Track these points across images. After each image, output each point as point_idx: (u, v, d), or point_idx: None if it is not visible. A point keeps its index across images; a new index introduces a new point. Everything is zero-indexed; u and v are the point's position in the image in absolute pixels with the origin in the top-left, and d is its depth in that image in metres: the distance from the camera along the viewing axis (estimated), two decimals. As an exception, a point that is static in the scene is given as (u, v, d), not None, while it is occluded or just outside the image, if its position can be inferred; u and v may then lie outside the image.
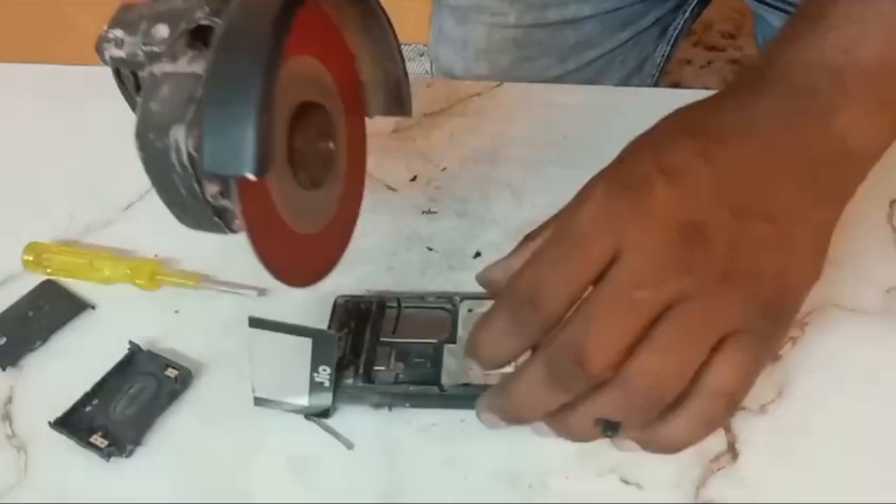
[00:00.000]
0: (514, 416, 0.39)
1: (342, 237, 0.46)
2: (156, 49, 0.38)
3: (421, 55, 1.69)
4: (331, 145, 0.41)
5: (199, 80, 0.36)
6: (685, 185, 0.36)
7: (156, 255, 0.54)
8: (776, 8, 0.69)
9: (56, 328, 0.51)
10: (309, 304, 0.50)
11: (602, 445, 0.39)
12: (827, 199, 0.39)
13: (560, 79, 0.81)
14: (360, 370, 0.45)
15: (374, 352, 0.46)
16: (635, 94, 0.68)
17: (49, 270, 0.54)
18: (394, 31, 0.43)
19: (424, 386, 0.44)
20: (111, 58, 0.39)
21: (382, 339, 0.47)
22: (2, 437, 0.47)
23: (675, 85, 1.67)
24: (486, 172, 0.56)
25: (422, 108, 0.61)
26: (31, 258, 0.54)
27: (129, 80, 0.41)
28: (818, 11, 0.40)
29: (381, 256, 0.53)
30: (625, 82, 0.83)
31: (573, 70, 0.81)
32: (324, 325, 0.49)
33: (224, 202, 0.37)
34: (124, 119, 0.44)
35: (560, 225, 0.38)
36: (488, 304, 0.44)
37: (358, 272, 0.52)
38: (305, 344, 0.42)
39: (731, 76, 1.71)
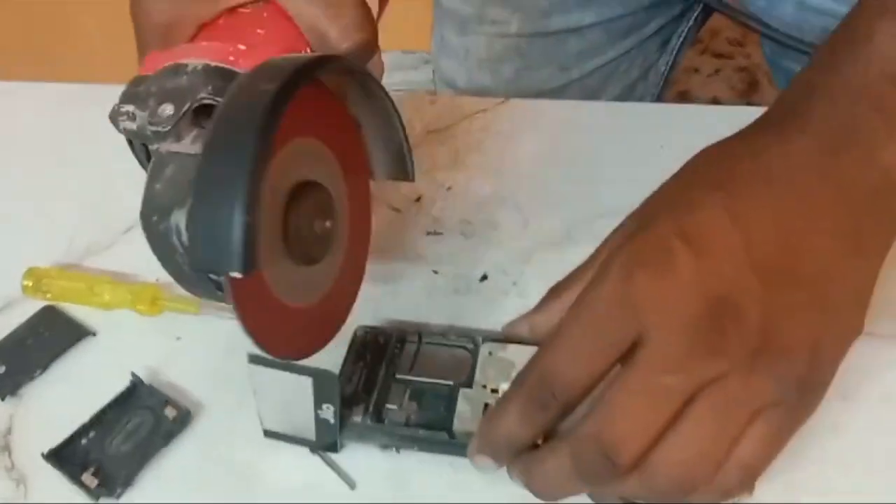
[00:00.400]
0: (536, 493, 0.37)
1: (340, 310, 0.46)
2: (161, 128, 0.38)
3: (426, 62, 1.69)
4: (328, 224, 0.41)
5: None
6: (711, 255, 0.34)
7: (157, 280, 0.53)
8: (774, 40, 0.68)
9: (56, 356, 0.50)
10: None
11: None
12: (870, 244, 0.37)
13: (563, 88, 0.80)
14: (370, 408, 0.44)
15: (388, 388, 0.45)
16: (643, 110, 0.67)
17: (49, 296, 0.53)
18: (391, 100, 0.43)
19: (435, 431, 0.43)
20: (125, 129, 0.40)
21: (398, 375, 0.45)
22: (0, 469, 0.46)
23: (684, 94, 1.66)
24: (491, 192, 0.55)
25: (426, 125, 0.60)
26: (30, 283, 0.53)
27: (142, 150, 0.42)
28: (861, 32, 0.38)
29: (385, 279, 0.52)
30: (629, 91, 0.82)
31: (576, 79, 0.80)
32: (337, 354, 0.48)
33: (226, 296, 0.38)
34: (124, 142, 0.43)
35: (580, 303, 0.35)
36: (511, 348, 0.44)
37: (361, 295, 0.51)
38: (307, 382, 0.41)
39: (739, 84, 1.70)
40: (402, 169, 0.45)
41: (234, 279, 0.36)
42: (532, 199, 0.54)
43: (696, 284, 0.34)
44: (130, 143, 0.42)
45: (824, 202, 0.36)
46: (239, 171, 0.34)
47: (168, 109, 0.38)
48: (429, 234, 0.54)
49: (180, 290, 0.52)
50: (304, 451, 0.45)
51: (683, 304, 0.33)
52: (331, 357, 0.48)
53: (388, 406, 0.44)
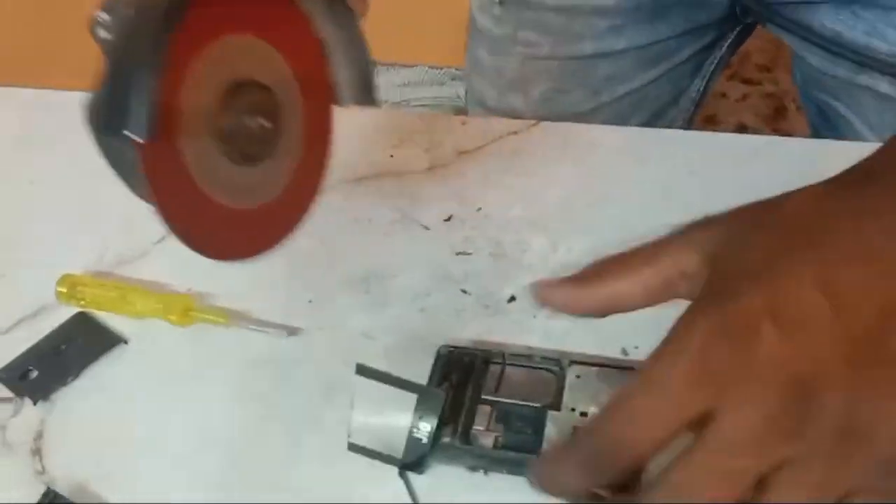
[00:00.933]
0: None
1: (288, 218, 0.46)
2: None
3: (453, 79, 1.70)
4: (266, 123, 0.42)
5: None
6: (799, 335, 0.32)
7: (189, 290, 0.54)
8: (815, 44, 0.68)
9: (89, 362, 0.51)
10: (336, 344, 0.50)
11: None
12: None
13: (593, 112, 0.80)
14: (459, 430, 0.44)
15: (475, 410, 0.44)
16: (673, 136, 0.67)
17: (82, 303, 0.54)
18: (358, 24, 0.44)
19: (524, 454, 0.42)
20: (101, 40, 0.40)
21: (484, 396, 0.45)
22: (31, 472, 0.46)
23: (710, 118, 1.66)
24: (521, 213, 0.56)
25: (457, 145, 0.61)
26: (64, 290, 0.54)
27: None
28: None
29: (414, 297, 0.52)
30: (659, 116, 0.82)
31: (606, 103, 0.80)
32: (352, 367, 0.48)
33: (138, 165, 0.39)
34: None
35: (654, 365, 0.34)
36: (598, 372, 0.44)
37: (390, 312, 0.52)
38: (410, 398, 0.42)
39: (766, 110, 1.69)
40: (368, 94, 0.46)
41: (147, 150, 0.37)
42: (561, 221, 0.55)
43: (779, 366, 0.32)
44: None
45: None
46: (146, 39, 0.37)
47: (129, 11, 0.39)
48: (458, 253, 0.54)
49: (211, 300, 0.53)
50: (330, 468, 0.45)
51: (764, 383, 0.32)
52: (381, 368, 0.48)
53: (476, 428, 0.44)
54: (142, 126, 0.36)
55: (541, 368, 0.46)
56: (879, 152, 0.39)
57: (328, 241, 0.56)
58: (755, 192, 0.37)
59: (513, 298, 0.51)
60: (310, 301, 0.53)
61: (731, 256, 0.37)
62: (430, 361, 0.48)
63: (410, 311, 0.51)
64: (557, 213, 0.55)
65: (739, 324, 0.33)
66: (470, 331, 0.50)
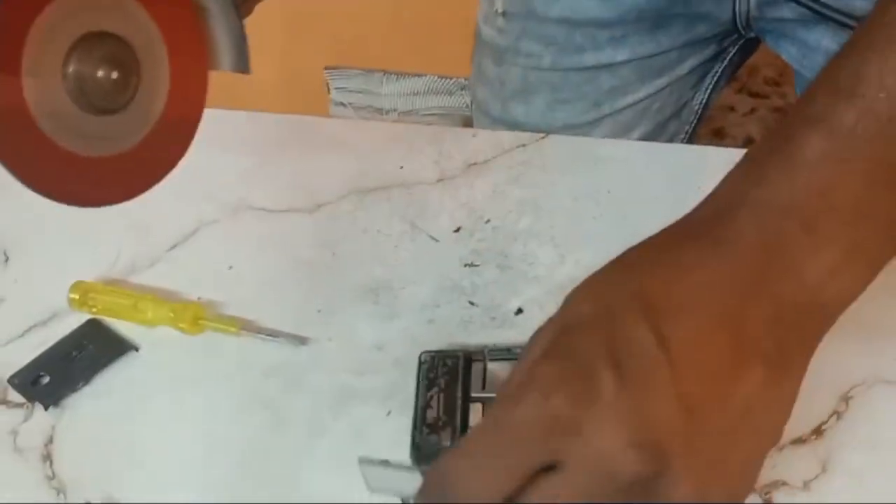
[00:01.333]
0: None
1: (149, 169, 0.46)
2: None
3: (462, 89, 1.70)
4: (115, 74, 0.43)
5: None
6: (635, 385, 0.33)
7: (198, 298, 0.54)
8: (814, 61, 0.69)
9: (99, 369, 0.52)
10: (345, 354, 0.51)
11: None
12: (794, 365, 0.36)
13: (595, 123, 0.81)
14: (458, 431, 0.45)
15: (467, 409, 0.46)
16: (680, 151, 0.68)
17: (94, 310, 0.54)
18: None
19: None
20: None
21: (473, 394, 0.47)
22: (41, 477, 0.47)
23: (718, 132, 1.66)
24: (529, 226, 0.56)
25: (466, 157, 0.61)
26: (77, 297, 0.54)
27: None
28: (791, 142, 0.37)
29: (422, 308, 0.53)
30: (661, 128, 0.83)
31: (608, 114, 0.81)
32: (372, 374, 0.49)
33: None
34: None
35: (495, 414, 0.34)
36: None
37: (397, 324, 0.52)
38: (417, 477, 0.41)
39: (773, 124, 1.70)
40: (242, 61, 0.47)
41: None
42: (568, 234, 0.55)
43: (617, 416, 0.32)
44: None
45: (752, 326, 0.35)
46: None
47: None
48: (466, 265, 0.55)
49: (221, 309, 0.54)
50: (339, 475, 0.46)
51: (601, 435, 0.32)
52: (390, 379, 0.49)
53: (472, 426, 0.45)
54: None
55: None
56: (709, 200, 0.39)
57: (338, 252, 0.56)
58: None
59: (520, 311, 0.52)
60: (319, 311, 0.53)
61: (568, 303, 0.37)
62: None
63: (419, 322, 0.52)
64: (565, 225, 0.56)
65: (576, 371, 0.33)
66: (477, 342, 0.50)
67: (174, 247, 0.58)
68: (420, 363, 0.48)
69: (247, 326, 0.52)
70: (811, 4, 0.67)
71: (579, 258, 0.54)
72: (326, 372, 0.50)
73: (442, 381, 0.47)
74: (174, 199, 0.59)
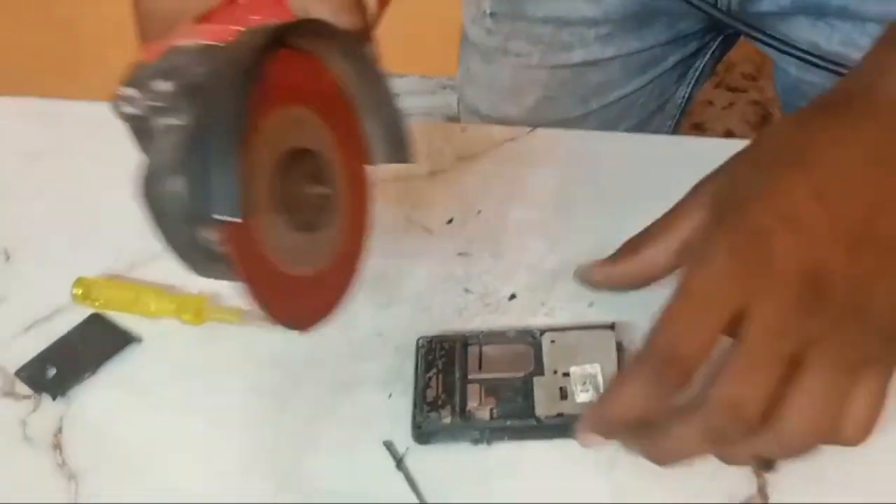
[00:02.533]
0: (656, 460, 0.41)
1: (344, 279, 0.47)
2: (159, 104, 0.41)
3: (443, 88, 1.72)
4: (324, 190, 0.43)
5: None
6: (804, 234, 0.39)
7: (199, 291, 0.56)
8: (795, 57, 0.71)
9: (104, 360, 0.53)
10: (348, 342, 0.52)
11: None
12: None
13: (583, 118, 0.83)
14: (457, 409, 0.47)
15: (466, 389, 0.48)
16: (663, 142, 0.69)
17: (97, 304, 0.55)
18: (386, 82, 0.45)
19: (521, 420, 0.46)
20: (125, 115, 0.42)
21: (471, 376, 0.49)
22: (52, 465, 0.48)
23: (698, 126, 1.69)
24: (520, 216, 0.58)
25: (457, 152, 0.63)
26: (80, 292, 0.55)
27: (144, 135, 0.43)
28: None
29: (418, 297, 0.54)
30: (646, 122, 0.85)
31: (595, 110, 0.83)
32: (372, 360, 0.51)
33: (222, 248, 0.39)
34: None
35: (691, 280, 0.39)
36: (571, 334, 0.49)
37: (395, 312, 0.54)
38: None
39: (752, 118, 1.73)
40: (400, 151, 0.47)
41: (229, 230, 0.37)
42: (558, 224, 0.57)
43: (794, 259, 0.38)
44: (133, 131, 0.44)
45: (888, 188, 0.40)
46: (222, 123, 0.37)
47: (165, 86, 0.40)
48: (460, 254, 0.56)
49: (223, 301, 0.55)
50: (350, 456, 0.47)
51: (784, 278, 0.38)
52: (389, 364, 0.50)
53: (471, 405, 0.47)
54: (234, 205, 0.36)
55: (516, 342, 0.50)
56: (847, 79, 0.45)
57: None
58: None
59: (513, 296, 0.54)
60: (318, 301, 0.55)
61: (730, 189, 0.43)
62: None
63: (416, 309, 0.54)
64: (554, 215, 0.58)
65: (754, 231, 0.39)
66: (472, 328, 0.52)
67: (174, 242, 0.59)
68: (418, 347, 0.50)
69: (248, 315, 0.54)
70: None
71: (570, 246, 0.56)
72: (328, 359, 0.52)
73: (440, 363, 0.49)
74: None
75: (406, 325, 0.53)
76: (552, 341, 0.49)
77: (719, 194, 0.43)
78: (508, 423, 0.46)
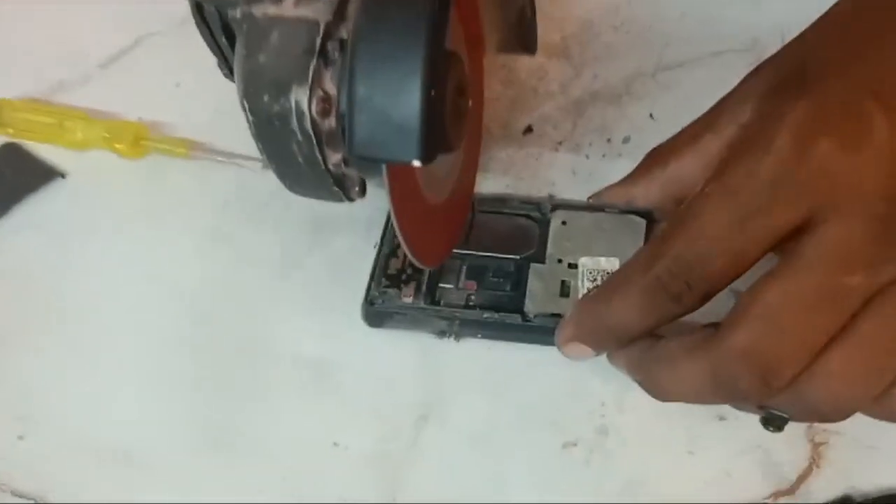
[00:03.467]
0: (652, 391, 0.31)
1: (465, 203, 0.38)
2: None
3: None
4: (469, 102, 0.34)
5: (314, 27, 0.30)
6: None
7: (140, 119, 0.45)
8: None
9: (18, 199, 0.43)
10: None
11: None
12: None
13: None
14: (423, 288, 0.37)
15: (441, 265, 0.37)
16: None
17: (11, 131, 0.45)
18: None
19: (503, 313, 0.36)
20: None
21: (455, 250, 0.38)
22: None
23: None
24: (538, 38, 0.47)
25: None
26: (-11, 116, 0.45)
27: (215, 19, 0.33)
28: None
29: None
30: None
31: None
32: (363, 202, 0.40)
33: (346, 170, 0.32)
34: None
35: (731, 174, 0.28)
36: (587, 217, 0.37)
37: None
38: None
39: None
40: (521, 37, 0.38)
41: (394, 172, 0.29)
42: (585, 46, 0.46)
43: (891, 162, 0.27)
44: (199, 11, 0.34)
45: None
46: (417, 26, 0.27)
47: None
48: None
49: (168, 130, 0.45)
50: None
51: (876, 182, 0.26)
52: (376, 205, 0.41)
53: (443, 285, 0.37)
54: (424, 148, 0.28)
55: (518, 215, 0.39)
56: None
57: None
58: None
59: (529, 129, 0.43)
60: (287, 132, 0.44)
61: (795, 66, 0.31)
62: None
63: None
64: (580, 36, 0.47)
65: (842, 112, 0.27)
66: (481, 166, 0.42)
67: (109, 63, 0.48)
68: None
69: (199, 148, 0.43)
70: None
71: (598, 73, 0.45)
72: (297, 198, 0.41)
73: None
74: (106, 7, 0.50)
75: (396, 161, 0.42)
76: (563, 222, 0.38)
77: (779, 74, 0.31)
78: (486, 315, 0.36)
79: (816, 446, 0.33)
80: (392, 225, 0.36)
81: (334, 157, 0.31)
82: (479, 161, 0.40)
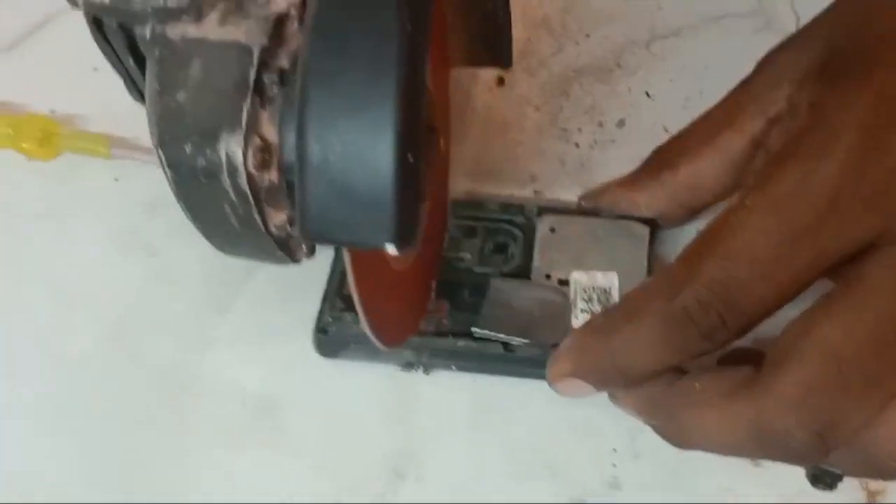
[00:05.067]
0: (669, 438, 0.26)
1: (433, 260, 0.32)
2: (170, 1, 0.24)
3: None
4: (441, 141, 0.29)
5: (246, 55, 0.24)
6: None
7: (52, 112, 0.39)
8: None
9: None
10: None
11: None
12: None
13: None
14: None
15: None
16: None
17: None
18: None
19: (481, 342, 0.30)
20: (89, 2, 0.26)
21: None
22: None
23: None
24: (518, 10, 0.41)
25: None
26: None
27: (118, 37, 0.27)
28: None
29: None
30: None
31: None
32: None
33: (292, 230, 0.26)
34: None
35: (778, 183, 0.23)
36: (580, 222, 0.32)
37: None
38: None
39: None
40: (493, 48, 0.32)
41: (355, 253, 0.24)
42: (570, 16, 0.41)
43: None
44: (97, 27, 0.27)
45: None
46: (386, 60, 0.21)
47: None
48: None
49: (83, 125, 0.39)
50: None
51: None
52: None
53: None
54: (399, 230, 0.22)
55: (497, 221, 0.33)
56: None
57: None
58: None
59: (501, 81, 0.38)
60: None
61: (847, 37, 0.25)
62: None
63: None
64: (562, 4, 0.41)
65: None
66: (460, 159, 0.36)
67: (14, 45, 0.42)
68: None
69: (121, 145, 0.38)
70: None
71: (584, 45, 0.40)
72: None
73: None
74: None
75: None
76: (551, 229, 0.32)
77: (817, 53, 0.26)
78: (461, 343, 0.30)
79: (872, 495, 0.28)
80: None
81: (277, 218, 0.25)
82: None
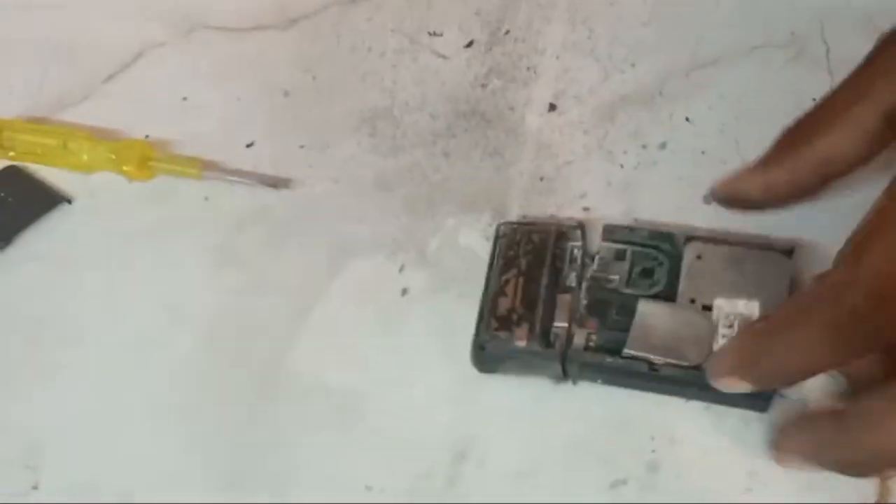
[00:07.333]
0: (847, 465, 0.27)
1: None
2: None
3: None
4: None
5: None
6: None
7: (147, 136, 0.43)
8: None
9: (23, 227, 0.41)
10: (338, 197, 0.40)
11: None
12: None
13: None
14: (536, 329, 0.33)
15: (554, 301, 0.34)
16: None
17: (12, 154, 0.42)
18: None
19: (628, 360, 0.32)
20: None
21: (568, 283, 0.35)
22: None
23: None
24: (561, 36, 0.44)
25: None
26: (-12, 138, 0.42)
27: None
28: None
29: (434, 138, 0.41)
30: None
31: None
32: (376, 221, 0.39)
33: None
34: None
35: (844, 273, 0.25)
36: (724, 251, 0.33)
37: (405, 159, 0.41)
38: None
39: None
40: None
41: None
42: (614, 44, 0.44)
43: None
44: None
45: None
46: None
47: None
48: (483, 86, 0.43)
49: (177, 148, 0.43)
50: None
51: None
52: (400, 226, 0.38)
53: (558, 325, 0.34)
54: None
55: (639, 245, 0.35)
56: None
57: (320, 76, 0.44)
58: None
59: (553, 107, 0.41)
60: (302, 147, 0.42)
61: None
62: (463, 215, 0.38)
63: (431, 154, 0.41)
64: (608, 33, 0.44)
65: None
66: (511, 182, 0.40)
67: (111, 77, 0.46)
68: (497, 236, 0.37)
69: (210, 167, 0.41)
70: None
71: (628, 73, 0.43)
72: (317, 220, 0.39)
73: (524, 263, 0.35)
74: (108, 18, 0.47)
75: (419, 175, 0.40)
76: (698, 256, 0.34)
77: None
78: (609, 360, 0.33)
79: (885, 483, 0.31)
80: (497, 265, 0.35)
81: None
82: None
